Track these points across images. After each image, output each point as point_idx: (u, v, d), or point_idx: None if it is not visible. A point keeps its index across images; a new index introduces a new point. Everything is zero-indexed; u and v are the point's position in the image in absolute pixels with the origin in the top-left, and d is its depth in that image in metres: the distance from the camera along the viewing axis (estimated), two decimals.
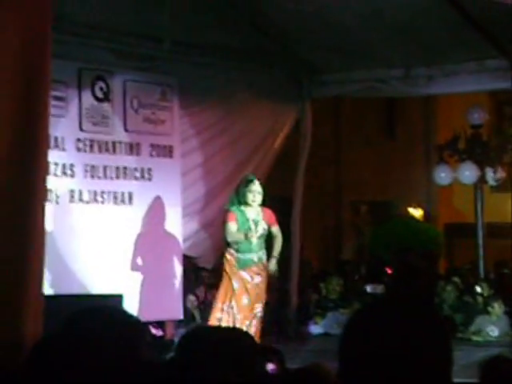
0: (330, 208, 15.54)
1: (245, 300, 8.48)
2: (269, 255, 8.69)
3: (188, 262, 10.40)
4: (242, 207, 8.58)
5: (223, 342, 2.48)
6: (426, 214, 15.58)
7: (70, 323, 2.31)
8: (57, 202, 8.76)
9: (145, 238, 9.52)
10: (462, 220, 14.95)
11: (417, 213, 15.47)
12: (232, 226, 8.50)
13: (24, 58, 4.78)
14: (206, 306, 10.45)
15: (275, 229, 8.76)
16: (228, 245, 8.61)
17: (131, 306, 8.40)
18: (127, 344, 2.28)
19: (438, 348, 1.74)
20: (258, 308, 8.51)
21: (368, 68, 10.91)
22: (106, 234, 9.14)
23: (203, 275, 11.09)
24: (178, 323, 9.85)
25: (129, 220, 9.38)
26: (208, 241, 10.63)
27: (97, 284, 8.84)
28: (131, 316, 2.46)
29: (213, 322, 8.47)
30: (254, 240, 8.48)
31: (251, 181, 8.63)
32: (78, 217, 8.98)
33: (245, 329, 8.17)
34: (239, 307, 8.46)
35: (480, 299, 11.51)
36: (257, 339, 8.17)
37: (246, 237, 8.41)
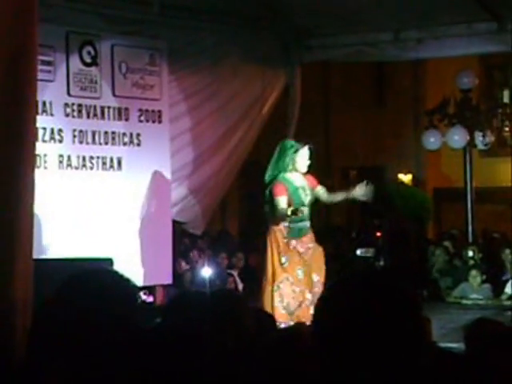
0: (319, 174, 15.53)
1: (299, 272, 8.09)
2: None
3: (179, 227, 10.41)
4: (288, 175, 8.29)
5: (209, 306, 2.47)
6: (416, 179, 15.62)
7: (66, 286, 2.30)
8: (45, 168, 8.72)
9: (134, 203, 9.51)
10: (450, 185, 14.98)
11: (406, 178, 15.50)
12: (282, 201, 8.10)
13: (11, 21, 4.72)
14: (198, 269, 10.50)
15: (320, 187, 8.45)
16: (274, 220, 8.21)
17: (121, 270, 8.39)
18: (122, 307, 2.27)
19: (403, 323, 1.77)
20: (317, 277, 8.10)
21: (357, 32, 10.86)
22: (94, 199, 9.12)
23: (198, 241, 11.13)
24: (169, 288, 9.86)
25: (118, 185, 9.36)
26: (197, 206, 10.62)
27: (86, 249, 8.82)
28: (126, 279, 2.44)
29: (267, 297, 8.05)
30: (306, 210, 8.17)
31: (299, 148, 8.31)
32: (67, 182, 8.95)
33: (310, 299, 7.92)
34: (295, 280, 8.05)
35: (471, 262, 11.58)
36: None
37: (296, 214, 7.94)
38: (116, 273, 2.38)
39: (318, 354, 1.77)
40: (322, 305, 1.83)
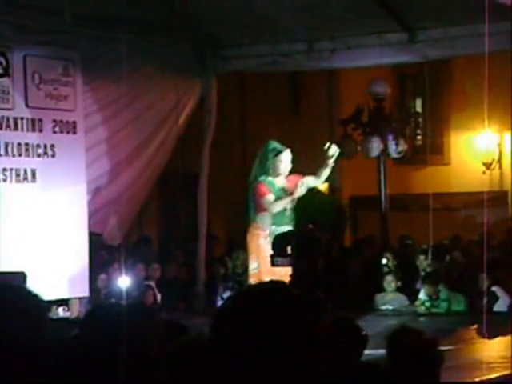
0: (237, 183, 15.58)
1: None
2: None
3: (96, 239, 10.30)
4: (270, 178, 8.29)
5: (122, 319, 2.47)
6: (331, 188, 15.78)
7: None
8: None
9: (49, 215, 9.39)
10: (366, 193, 15.17)
11: (322, 186, 15.64)
12: (271, 197, 8.13)
13: None
14: (116, 281, 10.40)
15: (305, 179, 8.45)
16: (254, 220, 8.23)
17: (35, 284, 8.28)
18: (30, 322, 2.25)
19: (300, 332, 1.80)
20: None
21: (271, 42, 10.94)
22: (8, 211, 8.98)
23: (115, 253, 11.01)
24: (86, 301, 9.75)
25: (32, 197, 9.24)
26: (113, 217, 10.55)
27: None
28: (34, 294, 2.42)
29: None
30: (288, 211, 8.16)
31: (281, 151, 8.34)
32: None
33: None
34: None
35: (386, 270, 11.73)
36: None
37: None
38: (23, 288, 2.36)
39: (217, 364, 1.78)
40: (220, 317, 1.84)
